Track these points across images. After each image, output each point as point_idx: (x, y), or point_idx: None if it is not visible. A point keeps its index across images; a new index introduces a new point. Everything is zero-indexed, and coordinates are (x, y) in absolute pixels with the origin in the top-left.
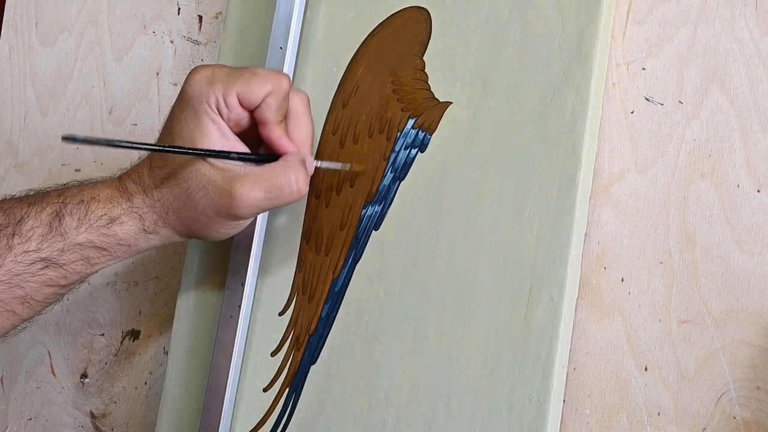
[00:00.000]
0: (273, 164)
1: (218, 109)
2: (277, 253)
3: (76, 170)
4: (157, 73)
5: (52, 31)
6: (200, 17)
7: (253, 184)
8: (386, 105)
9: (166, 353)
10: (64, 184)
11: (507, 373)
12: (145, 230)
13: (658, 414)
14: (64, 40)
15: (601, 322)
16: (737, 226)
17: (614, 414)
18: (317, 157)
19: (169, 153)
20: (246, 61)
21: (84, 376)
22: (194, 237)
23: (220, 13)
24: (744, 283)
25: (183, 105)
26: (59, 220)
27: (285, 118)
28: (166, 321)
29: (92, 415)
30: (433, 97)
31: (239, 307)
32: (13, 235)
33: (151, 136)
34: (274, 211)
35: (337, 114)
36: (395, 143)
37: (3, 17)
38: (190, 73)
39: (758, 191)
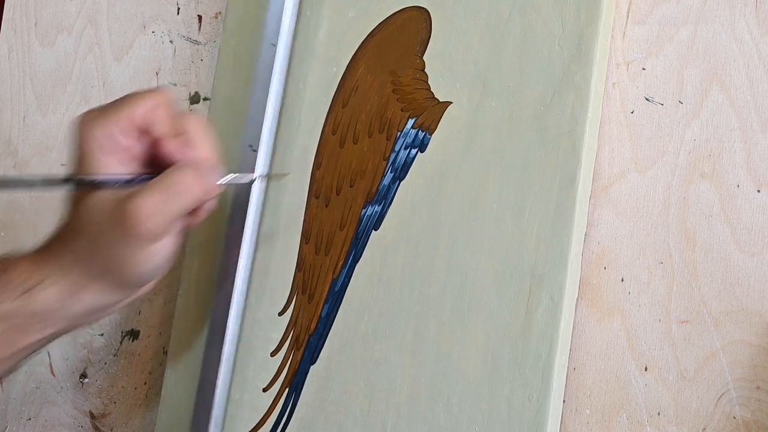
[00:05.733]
0: (166, 170)
1: (107, 141)
2: (277, 252)
3: None
4: (157, 73)
5: (52, 31)
6: (200, 17)
7: (144, 192)
8: (386, 105)
9: (166, 353)
10: None
11: (507, 373)
12: (69, 292)
13: (658, 414)
14: (64, 40)
15: (601, 322)
16: (737, 226)
17: (614, 414)
18: (316, 158)
19: (70, 191)
20: (246, 61)
21: (83, 376)
22: (131, 284)
23: (220, 12)
24: (744, 283)
25: (77, 154)
26: None
27: (182, 138)
28: (166, 321)
29: (92, 415)
30: (433, 97)
31: (238, 307)
32: None
33: None
34: (273, 210)
35: (337, 114)
36: (395, 143)
37: (2, 17)
38: (75, 124)
39: (758, 191)
